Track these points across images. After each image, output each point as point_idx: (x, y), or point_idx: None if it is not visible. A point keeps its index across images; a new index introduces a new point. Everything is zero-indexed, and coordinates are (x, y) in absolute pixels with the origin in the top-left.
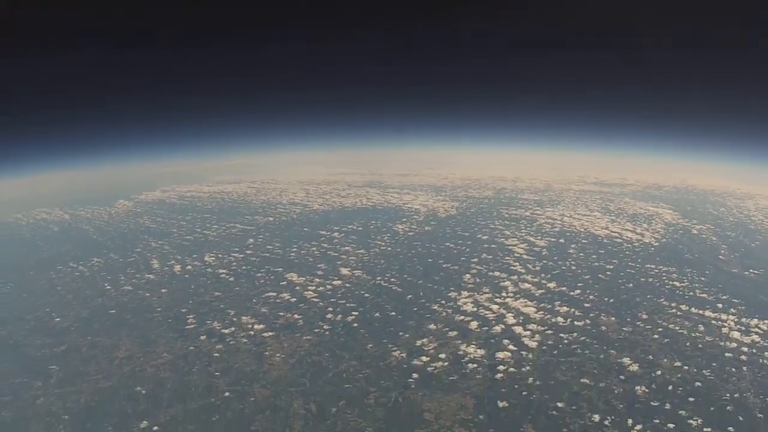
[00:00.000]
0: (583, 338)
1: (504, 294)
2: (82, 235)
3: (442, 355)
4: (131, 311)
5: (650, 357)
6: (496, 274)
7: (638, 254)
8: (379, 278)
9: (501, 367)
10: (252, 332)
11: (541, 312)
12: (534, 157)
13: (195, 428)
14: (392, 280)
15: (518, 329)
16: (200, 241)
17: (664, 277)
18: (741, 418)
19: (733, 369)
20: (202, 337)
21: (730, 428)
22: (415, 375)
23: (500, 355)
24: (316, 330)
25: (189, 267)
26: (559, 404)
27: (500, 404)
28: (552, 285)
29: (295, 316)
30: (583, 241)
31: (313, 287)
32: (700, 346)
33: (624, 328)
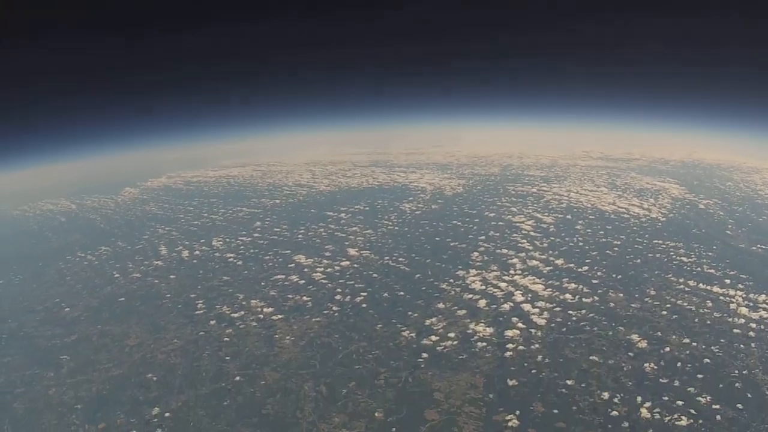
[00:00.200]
0: (591, 315)
1: (512, 271)
2: (90, 224)
3: (452, 334)
4: (140, 298)
5: (659, 333)
6: (504, 251)
7: (645, 230)
8: (387, 258)
9: (510, 346)
10: (261, 315)
11: (550, 289)
12: (539, 133)
13: (207, 413)
14: (400, 259)
15: (527, 307)
16: (207, 225)
17: (672, 253)
18: (750, 395)
19: (742, 345)
20: (212, 322)
21: (739, 405)
22: (424, 354)
23: (509, 333)
24: (325, 311)
25: (197, 252)
26: (569, 382)
27: (510, 382)
28: (560, 262)
29: (304, 298)
30: (591, 217)
31: (322, 269)
32: (709, 322)
33: (632, 305)
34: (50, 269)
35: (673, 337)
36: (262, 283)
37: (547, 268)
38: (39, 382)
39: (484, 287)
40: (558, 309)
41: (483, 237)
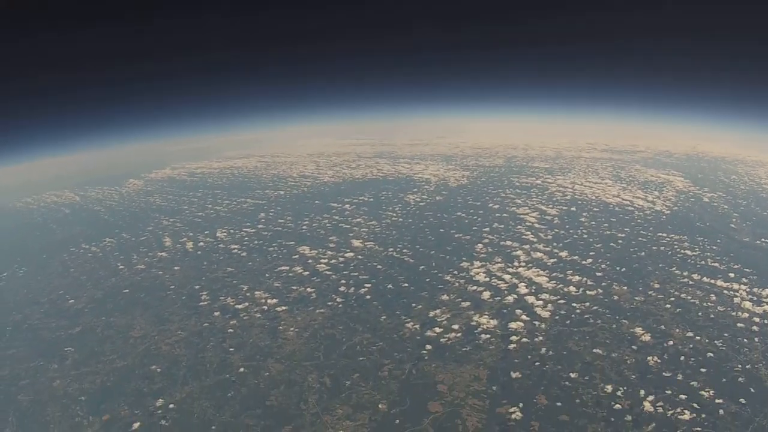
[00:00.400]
0: (595, 308)
1: (516, 263)
2: (94, 216)
3: (455, 326)
4: (145, 290)
5: (662, 327)
6: (508, 243)
7: (650, 222)
8: (391, 249)
9: (514, 338)
10: (265, 307)
11: (554, 281)
12: (544, 125)
13: (211, 405)
14: (404, 251)
15: (531, 299)
16: (212, 217)
17: (676, 246)
18: (753, 390)
19: (745, 340)
20: (216, 314)
21: (742, 400)
22: (428, 346)
23: (513, 325)
24: (329, 303)
25: (201, 243)
26: (572, 375)
27: (513, 375)
28: (564, 254)
29: (308, 289)
30: (595, 209)
31: (326, 260)
32: (712, 316)
33: (636, 298)
34: (54, 261)
35: (677, 330)
36: (267, 275)
37: (551, 261)
38: (43, 373)
39: (488, 279)
40: (562, 301)
41: (487, 229)
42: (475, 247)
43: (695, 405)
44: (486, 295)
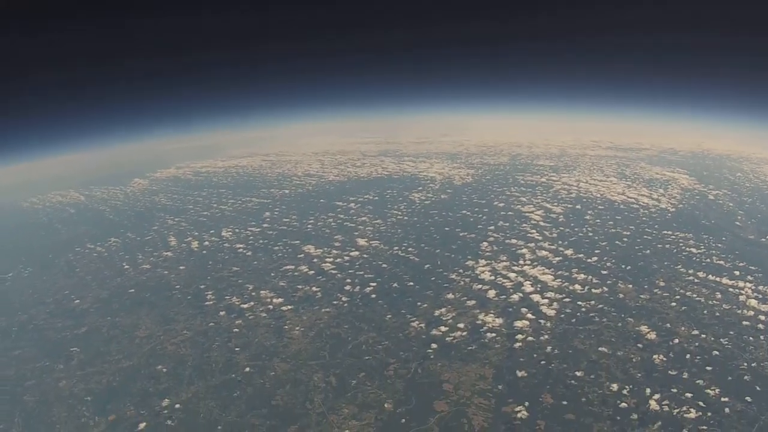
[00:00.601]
0: (600, 306)
1: (521, 262)
2: (99, 215)
3: (461, 325)
4: (150, 290)
5: (668, 325)
6: (513, 241)
7: (655, 220)
8: (396, 248)
9: (519, 336)
10: (271, 306)
11: (559, 279)
12: (548, 122)
13: (216, 404)
14: (409, 249)
15: (536, 297)
16: (217, 216)
17: (681, 244)
18: (758, 388)
19: (751, 338)
20: (222, 313)
21: (748, 398)
22: (434, 345)
23: (518, 323)
24: (334, 302)
25: (206, 243)
26: (578, 373)
27: (519, 374)
28: (569, 252)
29: (314, 288)
30: (600, 207)
31: (331, 259)
32: (718, 314)
33: (641, 296)
34: (60, 261)
35: (683, 328)
36: (272, 274)
37: (557, 259)
38: (49, 374)
39: (493, 278)
40: (567, 300)
41: (492, 227)
42: (480, 245)
43: (701, 403)
44: (491, 293)
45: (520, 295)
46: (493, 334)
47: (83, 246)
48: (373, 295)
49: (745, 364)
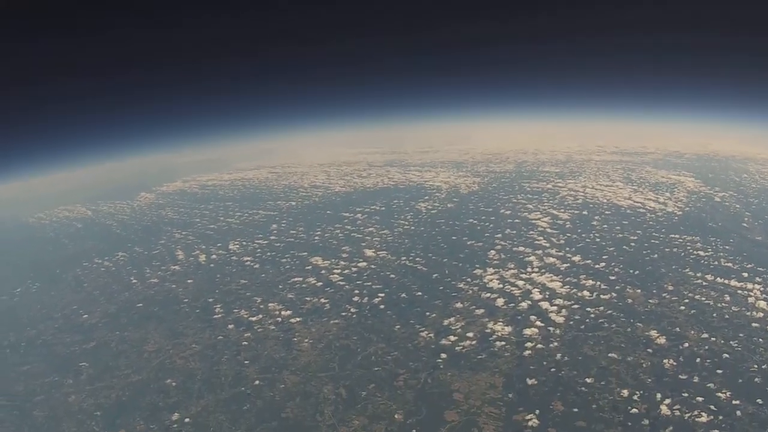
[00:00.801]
0: (609, 312)
1: (529, 269)
2: (106, 230)
3: (470, 334)
4: (158, 304)
5: (677, 329)
6: (521, 249)
7: (662, 224)
8: (403, 258)
9: (529, 344)
10: (279, 319)
11: (567, 286)
12: (553, 128)
13: (226, 418)
14: (417, 259)
15: (545, 305)
16: (224, 229)
17: (689, 247)
18: None
19: (761, 339)
20: (230, 326)
21: (759, 400)
22: (443, 355)
23: (528, 331)
24: (343, 313)
25: (214, 256)
26: (588, 380)
27: (529, 382)
28: (577, 258)
29: (322, 300)
30: (607, 212)
31: (339, 270)
32: (727, 316)
33: (650, 300)
34: (68, 276)
35: (692, 332)
36: (280, 286)
37: (565, 265)
38: (58, 389)
39: (501, 286)
40: (576, 306)
41: (499, 235)
42: (487, 253)
43: (712, 407)
44: (500, 301)
45: (529, 302)
46: (503, 343)
47: (91, 261)
48: (382, 306)
49: (756, 366)
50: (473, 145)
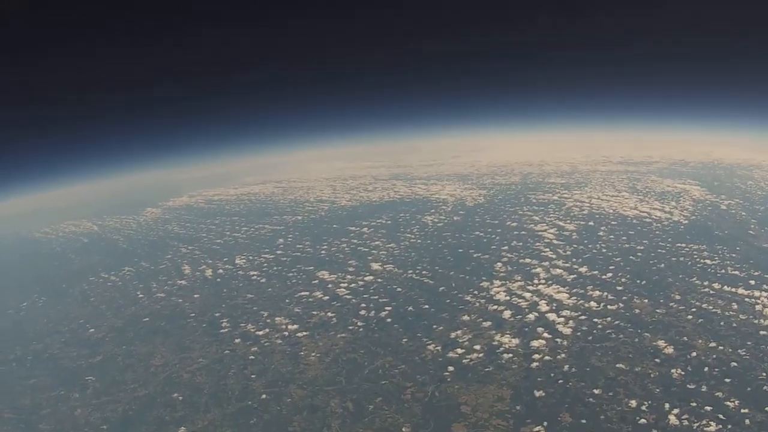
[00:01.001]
0: (617, 322)
1: (536, 281)
2: (112, 245)
3: (477, 347)
4: (165, 318)
5: (685, 338)
6: (527, 261)
7: (668, 233)
8: (410, 271)
9: (536, 356)
10: (286, 333)
11: (574, 297)
12: (558, 139)
13: None
14: (424, 272)
15: (552, 316)
16: (230, 244)
17: (696, 256)
18: None
19: None
20: (237, 340)
21: None
22: (450, 368)
23: (535, 343)
24: (350, 327)
25: (220, 271)
26: (596, 391)
27: (537, 394)
28: (583, 269)
29: (329, 314)
30: (613, 222)
31: (345, 284)
32: (735, 325)
33: (657, 310)
34: (74, 290)
35: (700, 341)
36: (287, 300)
37: (571, 276)
38: (65, 403)
39: (508, 298)
40: (583, 317)
41: (506, 247)
42: (494, 266)
43: (721, 416)
44: (507, 314)
45: (536, 314)
46: (510, 355)
47: (97, 275)
48: (389, 319)
49: (764, 374)
50: (478, 158)
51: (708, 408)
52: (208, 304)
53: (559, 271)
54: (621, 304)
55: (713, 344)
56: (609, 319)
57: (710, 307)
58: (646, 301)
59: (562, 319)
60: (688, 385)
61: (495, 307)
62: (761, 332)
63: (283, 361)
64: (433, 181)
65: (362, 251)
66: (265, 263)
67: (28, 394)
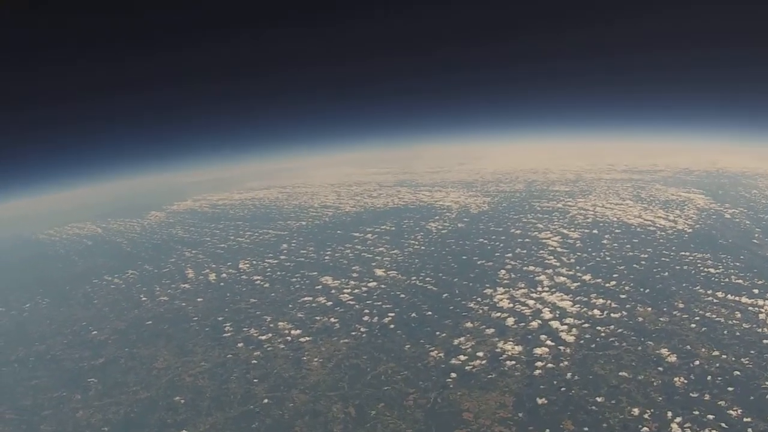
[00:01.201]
0: (620, 330)
1: (539, 288)
2: (116, 247)
3: (480, 354)
4: (168, 321)
5: (688, 347)
6: (531, 268)
7: (672, 242)
8: (414, 278)
9: (539, 363)
10: (289, 338)
11: (578, 305)
12: (563, 147)
13: None
14: (427, 279)
15: (555, 324)
16: (234, 248)
17: (699, 264)
18: None
19: None
20: (240, 345)
21: None
22: (453, 374)
23: (538, 350)
24: (353, 333)
25: (224, 275)
26: (599, 399)
27: (539, 401)
28: (587, 277)
29: (332, 319)
30: (617, 230)
31: (349, 290)
32: (738, 333)
33: (661, 319)
34: (77, 293)
35: (703, 350)
36: (290, 305)
37: (575, 284)
38: (67, 404)
39: (512, 305)
40: (586, 325)
41: (510, 254)
42: (498, 273)
43: (723, 425)
44: (510, 321)
45: (539, 322)
46: (513, 362)
47: (100, 278)
48: (392, 326)
49: (767, 382)
50: (483, 165)
51: (710, 417)
52: (211, 308)
53: (562, 278)
54: (624, 312)
55: (716, 353)
56: (612, 327)
57: (714, 316)
58: (649, 309)
59: (565, 327)
60: (690, 394)
61: (498, 314)
62: (764, 341)
63: (285, 366)
64: (438, 188)
65: (366, 257)
66: (269, 268)
67: (30, 395)
